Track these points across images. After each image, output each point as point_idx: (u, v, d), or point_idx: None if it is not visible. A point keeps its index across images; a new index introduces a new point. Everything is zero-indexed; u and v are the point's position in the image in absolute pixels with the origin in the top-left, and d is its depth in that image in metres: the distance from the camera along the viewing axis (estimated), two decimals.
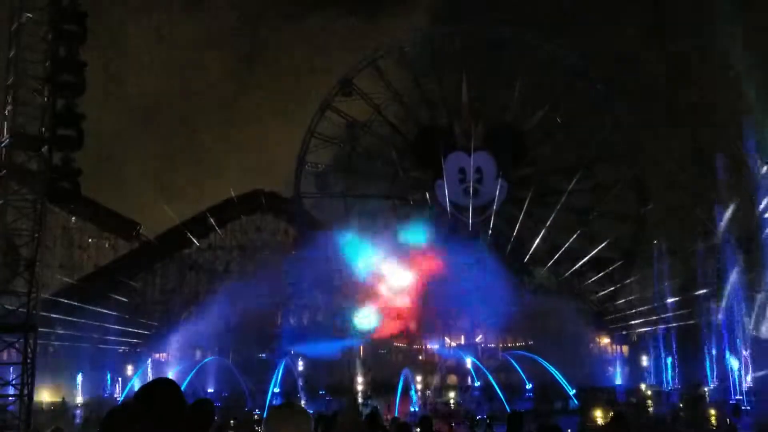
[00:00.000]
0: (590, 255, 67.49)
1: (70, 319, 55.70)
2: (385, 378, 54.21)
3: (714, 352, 50.21)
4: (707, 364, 50.91)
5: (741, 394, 46.85)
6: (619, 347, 64.08)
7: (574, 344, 58.31)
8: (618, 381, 57.78)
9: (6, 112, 28.65)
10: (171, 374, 54.55)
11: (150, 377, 55.45)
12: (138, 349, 62.17)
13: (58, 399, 49.73)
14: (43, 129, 28.33)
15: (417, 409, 46.11)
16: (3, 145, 28.67)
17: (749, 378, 47.21)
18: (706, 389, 51.18)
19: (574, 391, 51.54)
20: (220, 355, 57.93)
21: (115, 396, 54.08)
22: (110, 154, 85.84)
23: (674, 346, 55.21)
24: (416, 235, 63.26)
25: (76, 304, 56.45)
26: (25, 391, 29.16)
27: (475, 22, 72.30)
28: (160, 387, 4.98)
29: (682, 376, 54.88)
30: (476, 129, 71.20)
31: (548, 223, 67.93)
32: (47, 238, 37.78)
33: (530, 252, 68.81)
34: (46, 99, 28.15)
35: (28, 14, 27.84)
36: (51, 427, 18.28)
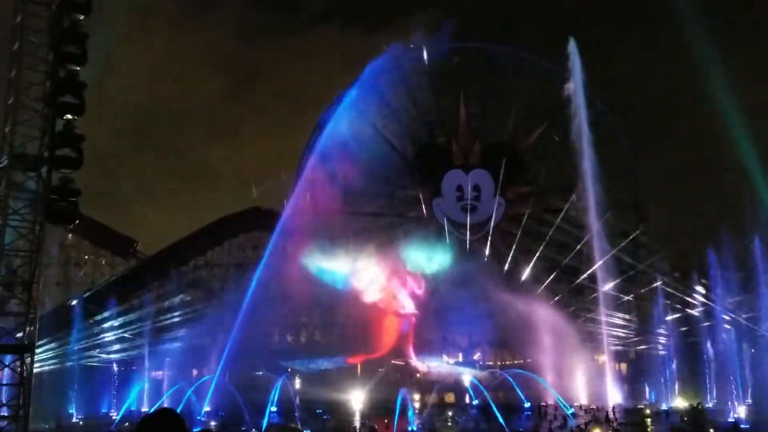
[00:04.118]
0: (588, 272, 67.36)
1: (66, 336, 55.38)
2: (383, 396, 53.89)
3: (714, 371, 50.22)
4: (706, 382, 50.90)
5: (740, 412, 46.86)
6: (617, 365, 63.87)
7: (572, 362, 58.16)
8: (617, 399, 57.49)
9: (6, 132, 28.63)
10: (168, 394, 54.20)
11: (146, 396, 55.11)
12: (135, 368, 61.71)
13: (53, 419, 49.14)
14: (43, 149, 28.32)
15: (415, 428, 45.72)
16: (2, 165, 28.64)
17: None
18: (704, 407, 51.09)
19: (573, 410, 51.28)
20: (218, 373, 57.50)
21: (111, 415, 53.60)
22: (107, 171, 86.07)
23: (673, 364, 55.16)
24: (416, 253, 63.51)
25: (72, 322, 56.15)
26: (21, 413, 28.97)
27: (473, 40, 72.56)
28: (164, 420, 4.93)
29: (681, 394, 54.80)
30: (474, 147, 71.34)
31: (546, 240, 67.86)
32: (44, 256, 37.57)
33: (528, 269, 68.75)
34: (46, 119, 28.17)
35: (30, 37, 27.90)
36: None
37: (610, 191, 66.53)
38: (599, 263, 65.86)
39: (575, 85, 59.99)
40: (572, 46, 60.00)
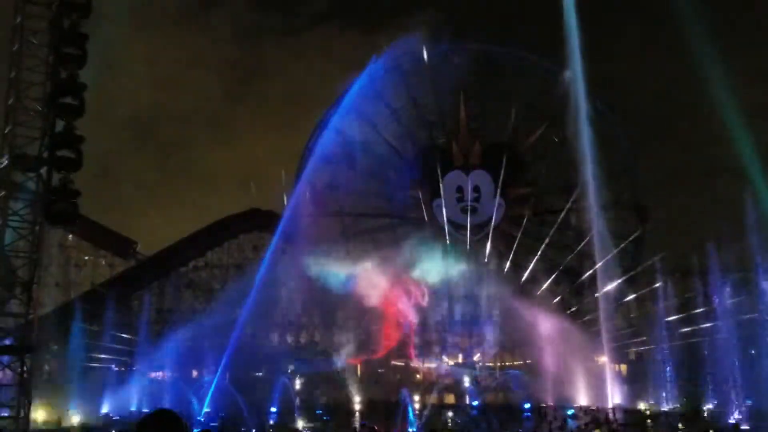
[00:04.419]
0: (588, 273, 67.29)
1: (65, 337, 55.32)
2: (383, 397, 53.97)
3: (714, 371, 50.16)
4: (707, 383, 50.83)
5: (740, 413, 46.78)
6: (617, 366, 63.79)
7: (572, 363, 58.13)
8: (616, 400, 57.45)
9: (6, 132, 28.65)
10: (168, 395, 54.19)
11: (146, 397, 55.09)
12: (134, 368, 61.69)
13: (53, 419, 49.11)
14: (43, 150, 28.33)
15: (415, 429, 45.74)
16: (2, 165, 28.67)
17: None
18: (705, 408, 51.09)
19: (572, 411, 51.28)
20: (218, 374, 57.45)
21: (112, 416, 53.53)
22: (107, 171, 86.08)
23: (674, 365, 55.11)
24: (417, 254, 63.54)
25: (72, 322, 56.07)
26: (21, 413, 28.97)
27: (473, 40, 72.49)
28: (162, 420, 4.91)
29: (681, 395, 54.76)
30: (474, 147, 71.30)
31: (546, 241, 67.80)
32: (43, 257, 37.53)
33: (528, 270, 68.69)
34: (46, 120, 28.18)
35: (30, 38, 27.92)
36: None
37: (610, 191, 66.59)
38: (600, 264, 65.88)
39: (572, 49, 58.51)
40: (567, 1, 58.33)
